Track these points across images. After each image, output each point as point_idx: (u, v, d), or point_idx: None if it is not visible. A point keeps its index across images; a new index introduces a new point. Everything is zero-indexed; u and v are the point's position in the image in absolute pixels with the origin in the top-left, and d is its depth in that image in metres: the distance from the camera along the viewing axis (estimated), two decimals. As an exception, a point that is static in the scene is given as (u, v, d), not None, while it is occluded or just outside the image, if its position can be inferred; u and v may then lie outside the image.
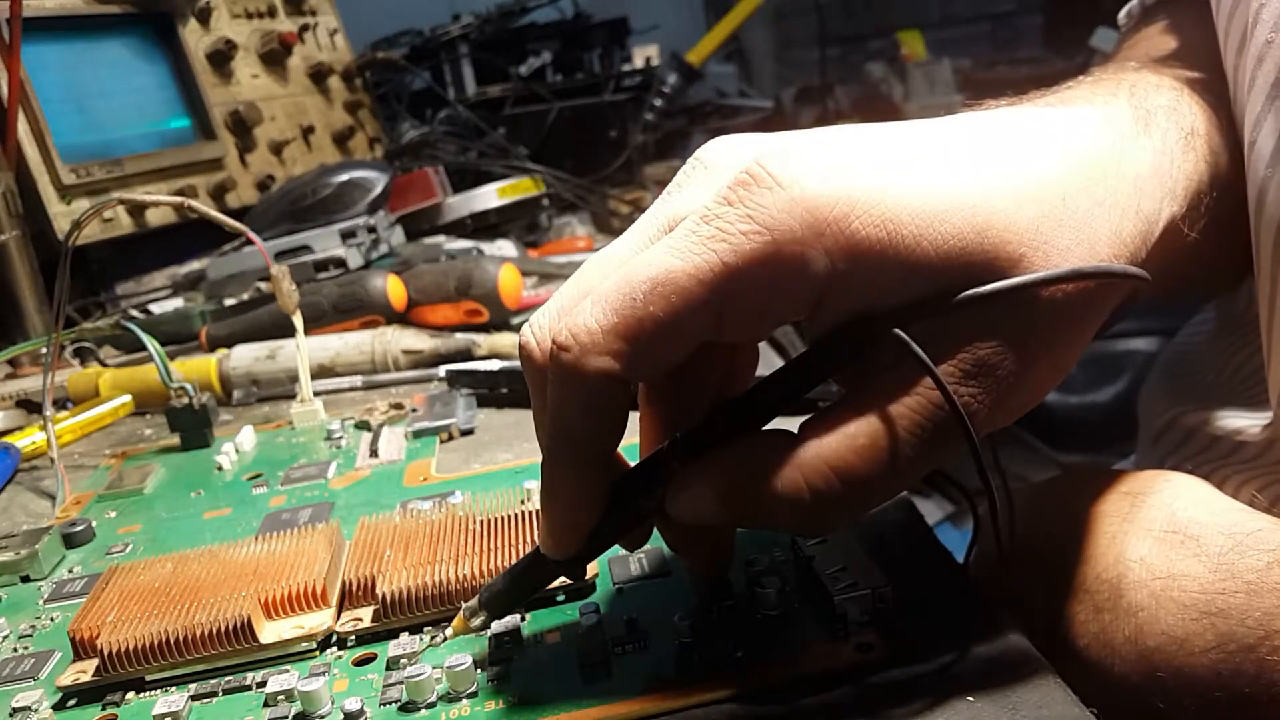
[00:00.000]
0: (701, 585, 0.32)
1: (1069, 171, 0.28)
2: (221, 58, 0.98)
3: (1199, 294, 0.52)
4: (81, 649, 0.32)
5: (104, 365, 0.67)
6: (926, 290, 0.26)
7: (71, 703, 0.32)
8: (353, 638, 0.33)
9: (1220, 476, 0.42)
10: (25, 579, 0.40)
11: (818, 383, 0.28)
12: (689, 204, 0.28)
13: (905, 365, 0.26)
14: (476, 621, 0.31)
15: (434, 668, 0.29)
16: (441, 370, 0.60)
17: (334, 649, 0.33)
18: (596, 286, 0.27)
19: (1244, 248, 0.37)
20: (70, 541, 0.43)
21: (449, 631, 0.31)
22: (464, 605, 0.31)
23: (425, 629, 0.33)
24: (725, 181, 0.26)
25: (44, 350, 0.56)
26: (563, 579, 0.32)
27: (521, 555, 0.33)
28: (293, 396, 0.58)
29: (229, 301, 0.77)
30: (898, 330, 0.26)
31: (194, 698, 0.31)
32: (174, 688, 0.31)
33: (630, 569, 0.34)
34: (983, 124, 0.29)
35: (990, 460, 0.27)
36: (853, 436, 0.26)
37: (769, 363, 0.30)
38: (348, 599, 0.34)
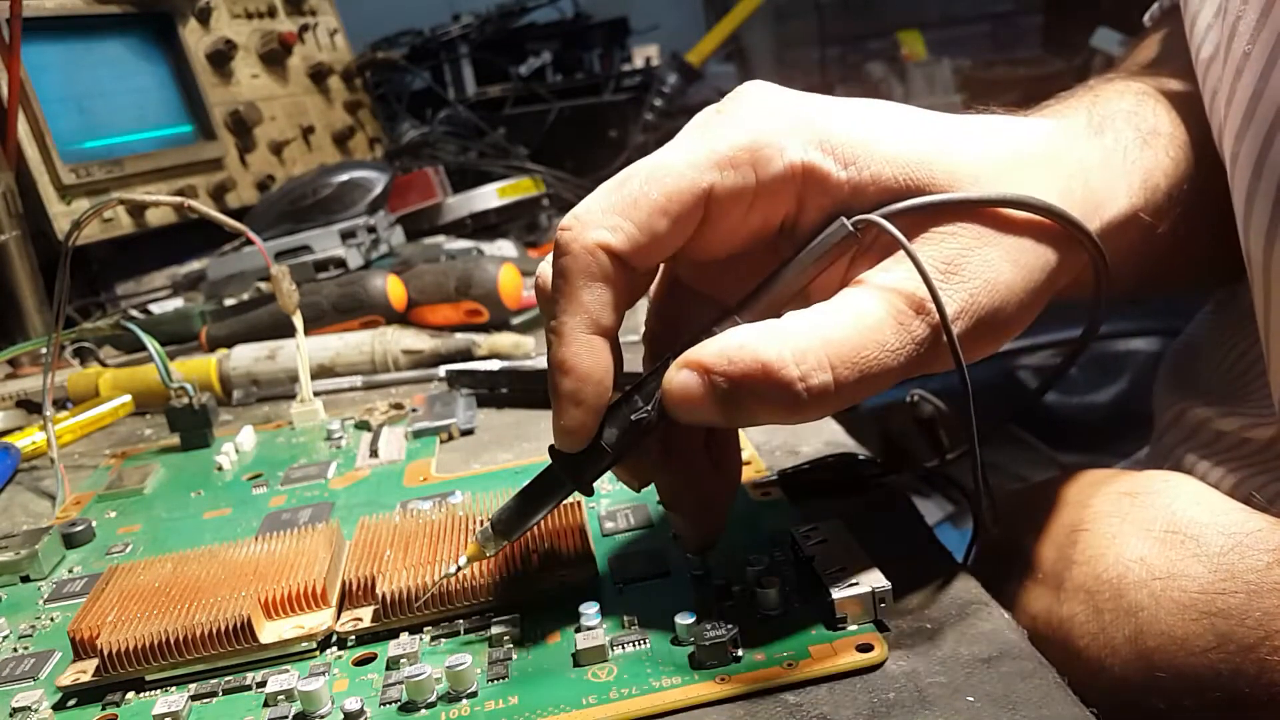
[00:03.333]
0: (689, 547, 0.33)
1: (1019, 150, 0.31)
2: (221, 58, 0.98)
3: (1195, 288, 0.52)
4: (81, 649, 0.32)
5: (104, 365, 0.67)
6: (895, 198, 0.29)
7: (71, 703, 0.32)
8: (352, 637, 0.33)
9: (1222, 471, 0.42)
10: (25, 579, 0.41)
11: (808, 281, 0.30)
12: None
13: (881, 256, 0.29)
14: (491, 547, 0.31)
15: (434, 667, 0.29)
16: (441, 370, 0.60)
17: (334, 649, 0.33)
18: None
19: (1237, 244, 0.37)
20: (70, 541, 0.43)
21: (462, 560, 0.31)
22: (476, 531, 0.31)
23: (425, 629, 0.33)
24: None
25: (44, 350, 0.56)
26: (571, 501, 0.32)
27: (521, 553, 0.33)
28: (293, 396, 0.58)
29: (229, 301, 0.77)
30: (877, 218, 0.29)
31: (194, 697, 0.31)
32: (174, 688, 0.31)
33: (630, 568, 0.34)
34: (946, 115, 0.32)
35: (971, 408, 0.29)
36: (835, 310, 0.28)
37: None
38: (348, 599, 0.34)
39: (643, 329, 0.34)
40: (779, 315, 0.29)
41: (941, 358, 0.29)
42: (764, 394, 0.27)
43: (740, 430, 0.44)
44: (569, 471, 0.30)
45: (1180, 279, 0.48)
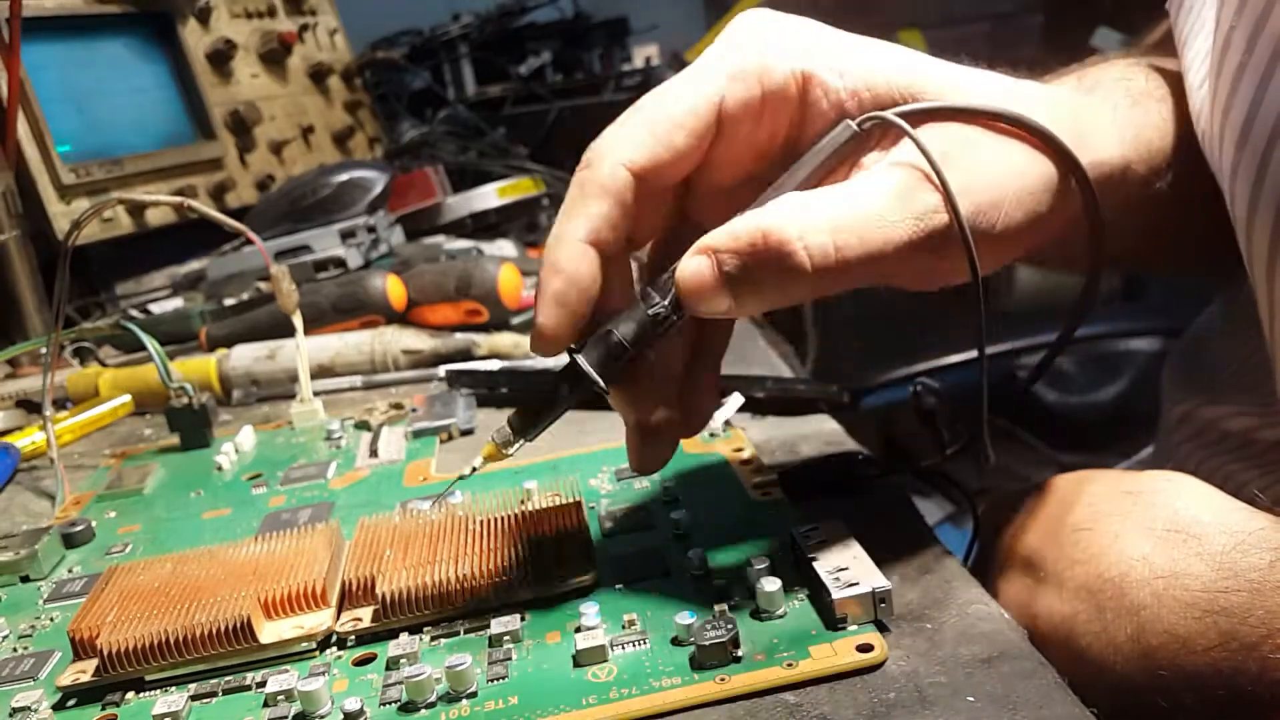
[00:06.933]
0: (631, 465, 0.34)
1: (1008, 86, 0.33)
2: (221, 57, 0.98)
3: (1200, 272, 0.52)
4: (81, 649, 0.32)
5: (103, 365, 0.67)
6: (887, 108, 0.31)
7: (71, 703, 0.31)
8: (352, 638, 0.33)
9: (1228, 471, 0.42)
10: (25, 579, 0.40)
11: (819, 178, 0.31)
12: None
13: (879, 149, 0.31)
14: (508, 445, 0.32)
15: (433, 668, 0.29)
16: (441, 370, 0.60)
17: (334, 649, 0.33)
18: None
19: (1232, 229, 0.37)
20: (70, 541, 0.43)
21: (478, 461, 0.32)
22: (492, 433, 0.32)
23: (425, 629, 0.32)
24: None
25: (43, 350, 0.55)
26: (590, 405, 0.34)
27: (521, 553, 0.33)
28: (292, 396, 0.58)
29: (229, 301, 0.76)
30: (884, 114, 0.30)
31: (194, 698, 0.31)
32: (174, 688, 0.31)
33: (630, 568, 0.34)
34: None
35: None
36: (837, 188, 0.30)
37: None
38: (347, 599, 0.34)
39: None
40: None
41: (948, 254, 0.29)
42: (769, 264, 0.28)
43: (738, 428, 0.44)
44: (590, 364, 0.31)
45: (1187, 258, 0.48)
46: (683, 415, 0.34)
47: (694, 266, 0.29)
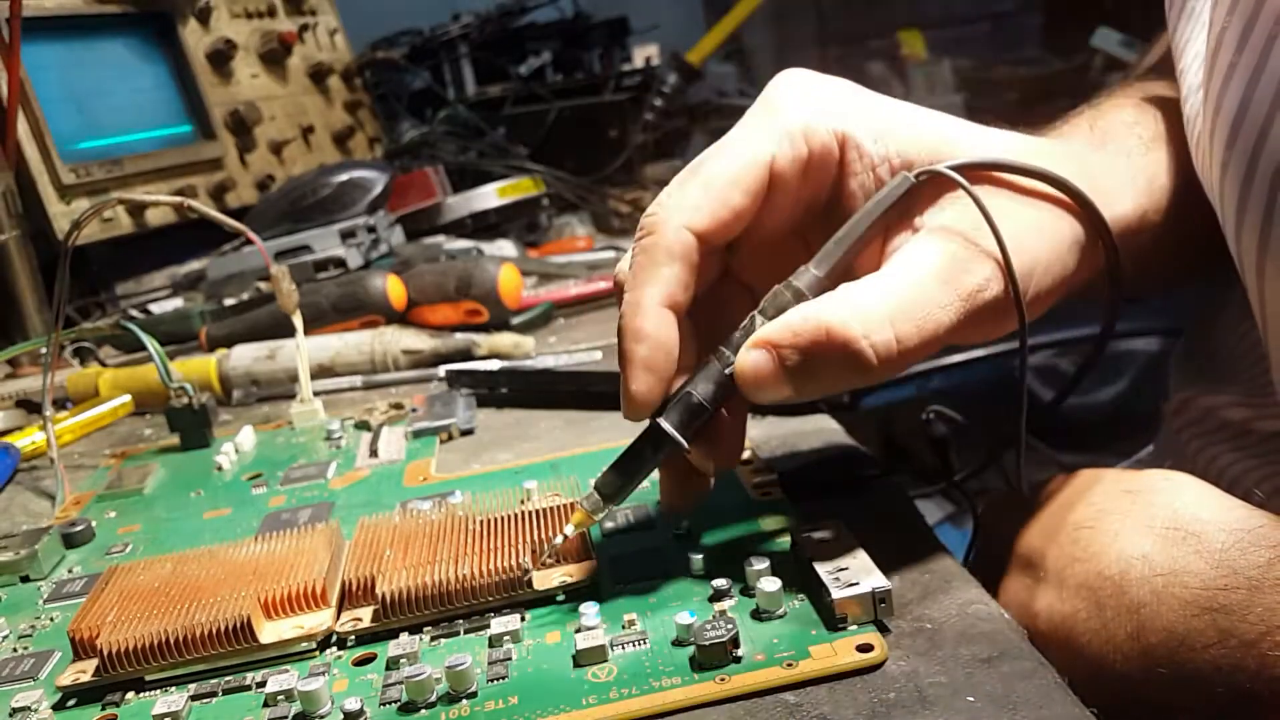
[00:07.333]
0: (663, 507, 0.35)
1: (1030, 147, 0.34)
2: (221, 57, 0.98)
3: (1190, 281, 0.52)
4: (81, 649, 0.32)
5: (103, 365, 0.67)
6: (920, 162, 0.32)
7: (71, 703, 0.31)
8: (352, 638, 0.33)
9: (1225, 461, 0.43)
10: (25, 579, 0.40)
11: (872, 231, 0.32)
12: None
13: (919, 207, 0.32)
14: (598, 512, 0.32)
15: (434, 668, 0.29)
16: (441, 370, 0.60)
17: (334, 649, 0.33)
18: None
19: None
20: (70, 541, 0.43)
21: (569, 530, 0.32)
22: (580, 500, 0.32)
23: (425, 629, 0.32)
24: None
25: (43, 350, 0.55)
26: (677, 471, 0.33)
27: (521, 552, 0.33)
28: (292, 396, 0.58)
29: (229, 301, 0.77)
30: (941, 168, 0.31)
31: (194, 698, 0.31)
32: (174, 688, 0.31)
33: (630, 568, 0.34)
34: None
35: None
36: (888, 275, 0.30)
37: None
38: (347, 599, 0.34)
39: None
40: (848, 268, 0.31)
41: (986, 317, 0.30)
42: (833, 360, 0.29)
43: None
44: (672, 425, 0.31)
45: (1179, 271, 0.48)
46: (723, 451, 0.34)
47: (753, 360, 0.30)
